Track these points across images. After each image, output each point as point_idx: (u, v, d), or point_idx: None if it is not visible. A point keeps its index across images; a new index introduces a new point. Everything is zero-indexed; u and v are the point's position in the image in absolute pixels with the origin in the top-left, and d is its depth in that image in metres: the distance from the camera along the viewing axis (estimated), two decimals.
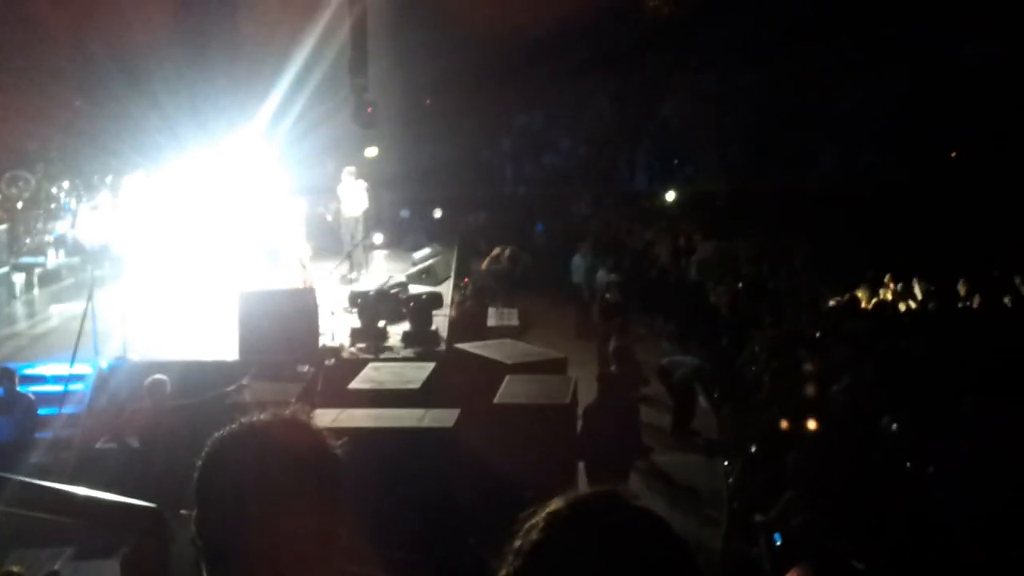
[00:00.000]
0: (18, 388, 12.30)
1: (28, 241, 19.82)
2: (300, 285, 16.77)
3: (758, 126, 33.51)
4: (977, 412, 9.33)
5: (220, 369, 13.46)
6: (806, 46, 35.89)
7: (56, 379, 13.54)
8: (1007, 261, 16.62)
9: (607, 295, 17.83)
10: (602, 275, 19.59)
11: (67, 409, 13.08)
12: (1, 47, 21.99)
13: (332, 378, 12.69)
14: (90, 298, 13.44)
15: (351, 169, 20.64)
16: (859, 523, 7.88)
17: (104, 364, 13.48)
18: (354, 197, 20.25)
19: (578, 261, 22.96)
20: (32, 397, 12.50)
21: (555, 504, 1.77)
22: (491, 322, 17.61)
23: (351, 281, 18.71)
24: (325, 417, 9.83)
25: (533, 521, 1.76)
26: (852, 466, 8.92)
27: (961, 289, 14.70)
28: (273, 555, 2.05)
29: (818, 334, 12.74)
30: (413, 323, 15.17)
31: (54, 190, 21.02)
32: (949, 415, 9.40)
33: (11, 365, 12.91)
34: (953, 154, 31.60)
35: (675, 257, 21.79)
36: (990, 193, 26.68)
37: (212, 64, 27.60)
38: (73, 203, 21.11)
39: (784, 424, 10.11)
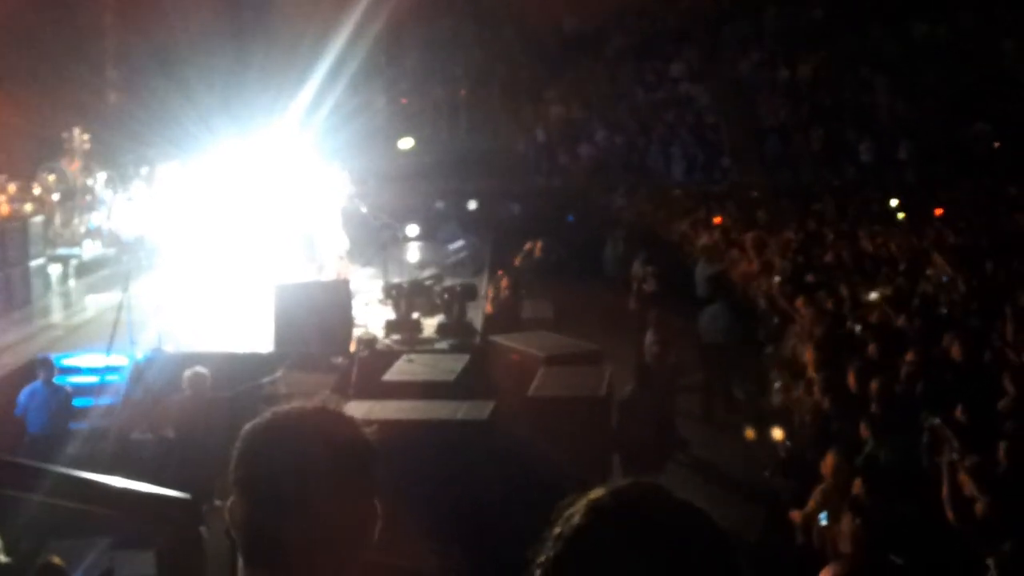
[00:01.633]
0: (55, 379, 12.39)
1: (64, 232, 19.93)
2: (335, 276, 16.81)
3: (794, 118, 33.33)
4: (1016, 411, 9.17)
5: (255, 361, 13.51)
6: (842, 37, 35.74)
7: (92, 370, 13.62)
8: None
9: (643, 286, 17.72)
10: (638, 266, 19.48)
11: (103, 400, 13.15)
12: (38, 39, 22.16)
13: (366, 370, 12.68)
14: (126, 289, 13.50)
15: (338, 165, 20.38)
16: (898, 521, 7.78)
17: (140, 355, 13.53)
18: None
19: (609, 251, 22.89)
20: (69, 388, 12.57)
21: (596, 493, 1.77)
22: (525, 314, 17.56)
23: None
24: (359, 409, 9.79)
25: (573, 508, 1.76)
26: (889, 463, 8.82)
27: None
28: (307, 543, 2.03)
29: (857, 328, 12.59)
30: (447, 315, 15.16)
31: (90, 182, 21.13)
32: (987, 414, 9.25)
33: (48, 356, 13.00)
34: (996, 144, 31.31)
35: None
36: None
37: (247, 55, 27.72)
38: (109, 195, 21.21)
39: (823, 419, 10.00)
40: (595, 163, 32.32)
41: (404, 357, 13.00)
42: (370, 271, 18.52)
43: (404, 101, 33.29)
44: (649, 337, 14.53)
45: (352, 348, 13.90)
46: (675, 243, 22.73)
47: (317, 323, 13.79)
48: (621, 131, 33.40)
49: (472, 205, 27.43)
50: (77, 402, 12.68)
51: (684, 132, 33.29)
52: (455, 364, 12.53)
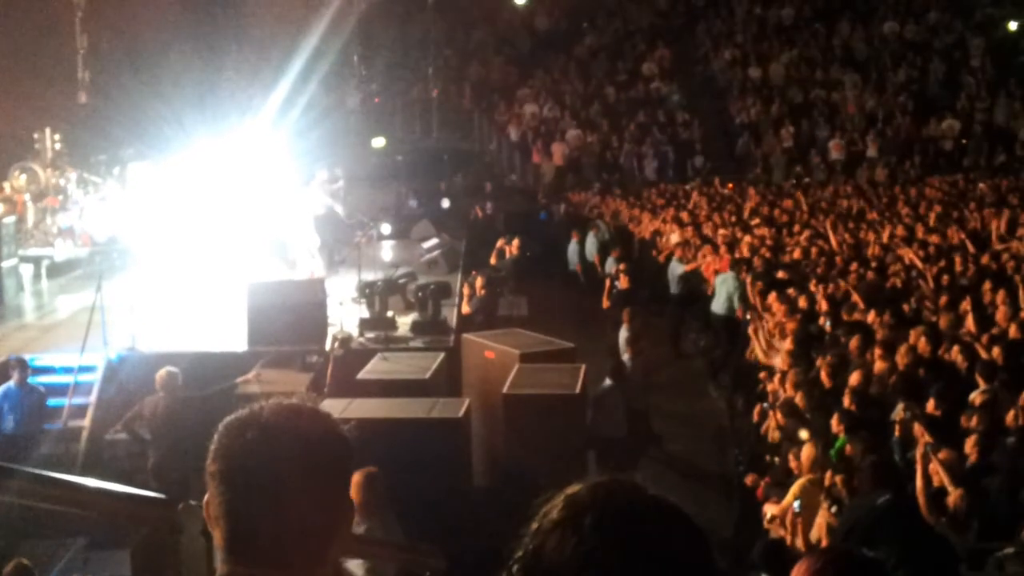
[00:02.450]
0: (28, 379, 12.30)
1: (36, 233, 19.80)
2: (308, 275, 16.77)
3: (765, 116, 33.51)
4: (993, 400, 9.25)
5: (229, 360, 13.44)
6: (811, 37, 35.96)
7: (65, 370, 13.53)
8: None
9: (616, 283, 17.78)
10: (611, 263, 19.54)
11: (76, 400, 13.07)
12: (9, 38, 22.00)
13: (341, 368, 12.67)
14: (98, 289, 13.42)
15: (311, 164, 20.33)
16: (871, 513, 7.84)
17: (113, 355, 13.46)
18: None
19: (573, 248, 22.93)
20: (42, 389, 12.48)
21: (573, 488, 1.78)
22: (500, 311, 17.58)
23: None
24: (334, 407, 9.79)
25: (550, 504, 1.77)
26: (866, 455, 8.88)
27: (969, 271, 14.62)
28: (282, 535, 2.04)
29: (829, 323, 12.67)
30: (422, 313, 15.16)
31: (61, 182, 20.99)
32: (960, 403, 9.33)
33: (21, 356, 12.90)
34: (964, 141, 31.64)
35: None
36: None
37: (219, 54, 27.61)
38: (80, 195, 21.08)
39: (796, 414, 10.05)
40: (568, 161, 32.37)
41: (379, 355, 12.99)
42: (344, 270, 18.48)
43: (377, 100, 33.26)
44: (622, 334, 14.59)
45: (327, 347, 13.87)
46: (647, 241, 22.78)
47: (291, 322, 13.74)
48: (593, 130, 33.47)
49: (445, 204, 27.40)
50: (51, 403, 12.60)
51: (656, 131, 33.39)
52: (429, 362, 12.53)
